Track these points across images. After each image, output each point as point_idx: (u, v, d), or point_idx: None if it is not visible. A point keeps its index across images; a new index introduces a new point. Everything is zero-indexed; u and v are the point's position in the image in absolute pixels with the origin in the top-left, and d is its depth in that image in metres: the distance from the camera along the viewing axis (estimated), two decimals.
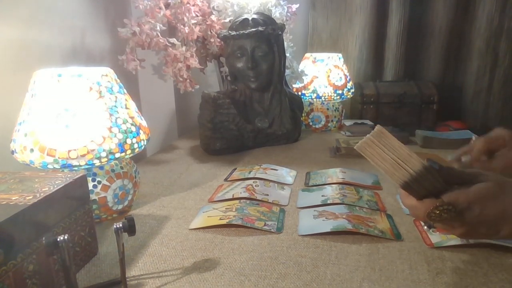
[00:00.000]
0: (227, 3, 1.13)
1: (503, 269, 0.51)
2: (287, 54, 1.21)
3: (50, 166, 0.60)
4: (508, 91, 1.46)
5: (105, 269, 0.54)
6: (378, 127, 0.47)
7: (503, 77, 1.45)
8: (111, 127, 0.63)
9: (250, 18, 1.07)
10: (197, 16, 1.07)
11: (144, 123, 0.71)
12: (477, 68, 1.50)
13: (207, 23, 1.10)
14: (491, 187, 0.46)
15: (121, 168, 0.68)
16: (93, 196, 0.64)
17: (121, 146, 0.63)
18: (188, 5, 1.04)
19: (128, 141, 0.64)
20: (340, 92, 1.34)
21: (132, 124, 0.66)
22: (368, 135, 0.47)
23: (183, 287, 0.49)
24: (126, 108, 0.67)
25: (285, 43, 1.17)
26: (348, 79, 1.37)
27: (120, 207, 0.69)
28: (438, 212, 0.45)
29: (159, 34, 0.99)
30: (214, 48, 1.14)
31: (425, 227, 0.51)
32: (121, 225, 0.45)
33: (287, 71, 1.25)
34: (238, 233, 0.63)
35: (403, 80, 1.59)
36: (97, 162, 0.62)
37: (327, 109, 1.36)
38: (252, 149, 1.13)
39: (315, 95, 1.34)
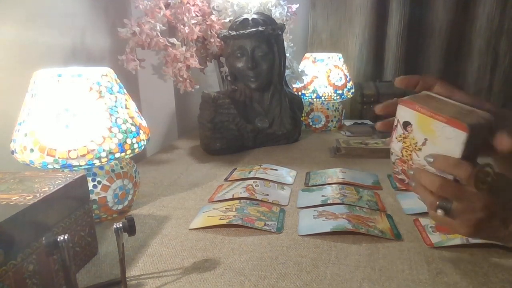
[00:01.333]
0: (227, 3, 1.13)
1: (503, 269, 0.51)
2: (287, 54, 1.20)
3: (50, 166, 0.60)
4: (509, 91, 1.46)
5: (105, 269, 0.54)
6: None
7: (503, 77, 1.46)
8: (111, 127, 0.63)
9: (250, 18, 1.07)
10: (197, 16, 1.07)
11: (144, 123, 0.71)
12: (477, 68, 1.50)
13: (207, 23, 1.10)
14: None
15: (121, 168, 0.68)
16: (93, 196, 0.64)
17: (121, 146, 0.63)
18: (188, 5, 1.04)
19: (128, 141, 0.64)
20: (340, 92, 1.34)
21: (132, 124, 0.66)
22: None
23: (183, 287, 0.49)
24: (126, 108, 0.67)
25: (285, 43, 1.17)
26: (348, 79, 1.37)
27: (120, 207, 0.69)
28: (487, 172, 0.42)
29: (159, 34, 0.99)
30: (214, 48, 1.14)
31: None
32: (121, 225, 0.45)
33: (287, 71, 1.24)
34: (238, 233, 0.63)
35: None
36: (97, 162, 0.62)
37: (327, 109, 1.36)
38: (252, 149, 1.13)
39: (315, 95, 1.34)
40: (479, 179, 0.42)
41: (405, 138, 0.46)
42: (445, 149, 0.42)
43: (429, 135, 0.43)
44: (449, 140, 0.42)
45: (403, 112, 0.46)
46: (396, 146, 0.48)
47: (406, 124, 0.46)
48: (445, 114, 0.42)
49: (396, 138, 0.48)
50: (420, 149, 0.45)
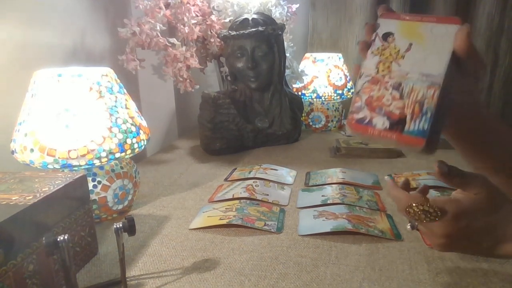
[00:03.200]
0: (227, 3, 1.13)
1: (503, 269, 0.51)
2: (287, 54, 1.20)
3: (50, 166, 0.60)
4: (509, 91, 1.46)
5: (105, 269, 0.54)
6: None
7: (504, 77, 1.45)
8: (111, 127, 0.63)
9: (250, 18, 1.08)
10: (197, 16, 1.07)
11: (144, 123, 0.71)
12: None
13: (207, 23, 1.10)
14: (484, 203, 0.43)
15: (121, 168, 0.68)
16: (93, 196, 0.64)
17: (121, 146, 0.63)
18: (188, 5, 1.04)
19: (128, 141, 0.64)
20: (340, 92, 1.34)
21: (132, 124, 0.66)
22: None
23: (183, 287, 0.49)
24: (126, 108, 0.67)
25: (285, 43, 1.17)
26: (348, 79, 1.37)
27: (120, 207, 0.69)
28: (417, 210, 0.42)
29: (159, 34, 0.99)
30: (214, 48, 1.14)
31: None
32: (121, 225, 0.45)
33: (287, 71, 1.24)
34: (238, 233, 0.63)
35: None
36: (97, 162, 0.62)
37: (327, 109, 1.36)
38: (252, 149, 1.13)
39: (315, 95, 1.34)
40: (412, 212, 0.42)
41: (384, 49, 0.41)
42: (434, 50, 0.38)
43: (416, 39, 0.40)
44: (440, 39, 0.38)
45: (384, 25, 0.42)
46: (369, 62, 0.41)
47: (387, 35, 0.41)
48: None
49: (372, 52, 0.41)
50: (403, 56, 0.40)
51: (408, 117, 0.37)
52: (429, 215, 0.42)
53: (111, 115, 0.63)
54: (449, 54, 0.37)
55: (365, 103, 0.40)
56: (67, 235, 0.41)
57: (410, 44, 0.39)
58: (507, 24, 1.41)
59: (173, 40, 1.02)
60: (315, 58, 1.36)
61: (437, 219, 0.42)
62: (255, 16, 1.09)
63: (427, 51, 0.38)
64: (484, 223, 0.43)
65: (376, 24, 0.42)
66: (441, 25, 0.38)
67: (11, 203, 0.43)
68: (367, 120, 0.40)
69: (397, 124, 0.38)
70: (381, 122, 0.39)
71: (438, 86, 0.37)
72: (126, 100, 0.68)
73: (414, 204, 0.43)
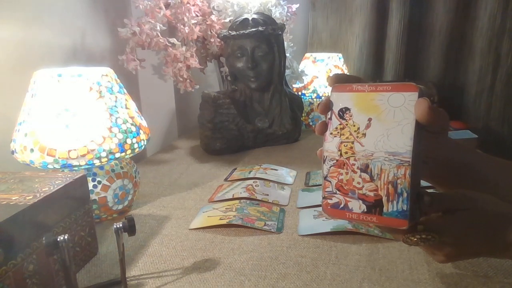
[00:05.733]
0: (227, 3, 1.13)
1: (503, 269, 0.51)
2: (287, 54, 1.21)
3: (50, 166, 0.60)
4: (511, 92, 1.46)
5: (105, 269, 0.54)
6: None
7: (506, 77, 1.45)
8: (111, 127, 0.63)
9: (250, 18, 1.08)
10: (197, 16, 1.07)
11: (144, 123, 0.71)
12: (479, 68, 1.50)
13: (207, 23, 1.10)
14: (481, 223, 0.39)
15: (121, 168, 0.68)
16: (93, 196, 0.64)
17: (121, 146, 0.63)
18: (188, 5, 1.04)
19: (128, 141, 0.64)
20: None
21: (132, 124, 0.66)
22: None
23: (183, 287, 0.49)
24: (126, 108, 0.67)
25: (285, 43, 1.17)
26: None
27: (120, 207, 0.69)
28: (414, 239, 0.38)
29: (159, 34, 0.99)
30: (214, 48, 1.14)
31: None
32: (121, 225, 0.45)
33: (287, 71, 1.25)
34: (238, 233, 0.63)
35: (403, 80, 1.58)
36: (97, 162, 0.62)
37: None
38: (252, 149, 1.13)
39: (315, 95, 1.34)
40: (410, 241, 0.38)
41: (342, 129, 0.38)
42: (395, 123, 0.35)
43: (374, 113, 0.36)
44: (399, 110, 0.35)
45: (338, 100, 0.39)
46: (330, 144, 0.40)
47: (343, 112, 0.39)
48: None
49: (331, 133, 0.40)
50: (364, 134, 0.37)
51: (384, 199, 0.36)
52: (427, 241, 0.38)
53: (111, 115, 0.63)
54: (412, 127, 0.35)
55: (336, 188, 0.40)
56: (67, 235, 0.41)
57: (370, 119, 0.37)
58: (509, 24, 1.41)
59: (173, 40, 1.02)
60: (315, 58, 1.36)
61: (434, 243, 0.38)
62: (255, 16, 1.09)
63: (388, 125, 0.36)
64: (482, 240, 0.39)
65: (329, 101, 0.39)
66: (398, 94, 0.36)
67: (11, 203, 0.43)
68: (342, 205, 0.39)
69: (375, 206, 0.36)
70: (357, 206, 0.38)
71: (408, 165, 0.34)
72: (126, 100, 0.68)
73: (410, 234, 0.39)
